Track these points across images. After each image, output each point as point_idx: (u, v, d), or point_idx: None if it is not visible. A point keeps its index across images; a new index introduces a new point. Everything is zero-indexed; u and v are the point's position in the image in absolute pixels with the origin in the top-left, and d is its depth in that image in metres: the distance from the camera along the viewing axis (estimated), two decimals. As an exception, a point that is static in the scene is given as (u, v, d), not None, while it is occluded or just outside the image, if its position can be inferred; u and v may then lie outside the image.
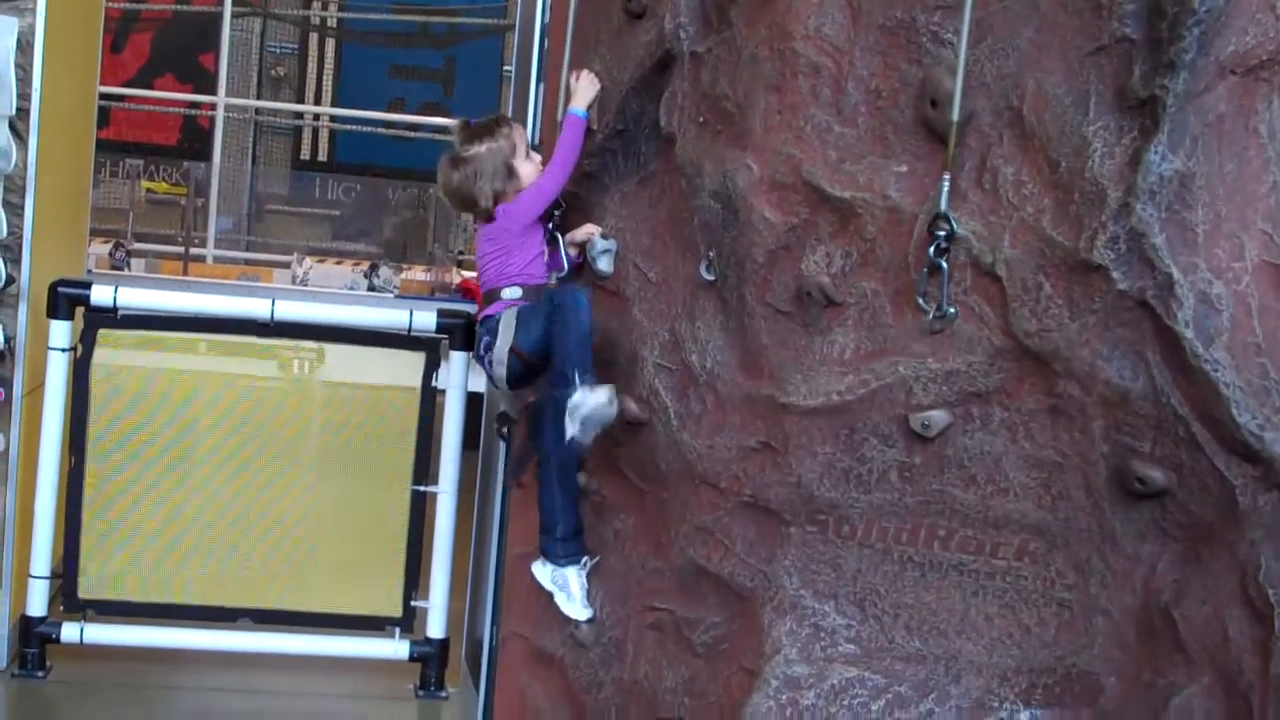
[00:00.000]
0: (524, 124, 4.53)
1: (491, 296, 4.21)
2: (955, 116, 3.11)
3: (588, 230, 4.17)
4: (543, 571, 4.21)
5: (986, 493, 3.29)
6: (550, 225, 4.21)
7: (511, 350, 4.08)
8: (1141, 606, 3.14)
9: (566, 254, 4.20)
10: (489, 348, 4.14)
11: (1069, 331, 3.06)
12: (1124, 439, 3.07)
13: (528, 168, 4.22)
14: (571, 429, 3.85)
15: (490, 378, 4.25)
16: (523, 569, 4.56)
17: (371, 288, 11.10)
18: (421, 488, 5.51)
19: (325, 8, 17.74)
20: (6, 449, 5.43)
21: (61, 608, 5.55)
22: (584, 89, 4.11)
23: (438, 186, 4.38)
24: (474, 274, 9.03)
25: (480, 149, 4.20)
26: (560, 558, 4.16)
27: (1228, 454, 2.94)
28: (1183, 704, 3.03)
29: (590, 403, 3.82)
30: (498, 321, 4.12)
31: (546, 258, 4.19)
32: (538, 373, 4.10)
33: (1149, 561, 3.13)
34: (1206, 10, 2.86)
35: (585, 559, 4.18)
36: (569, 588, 4.15)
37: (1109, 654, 3.20)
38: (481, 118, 4.36)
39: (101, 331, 5.40)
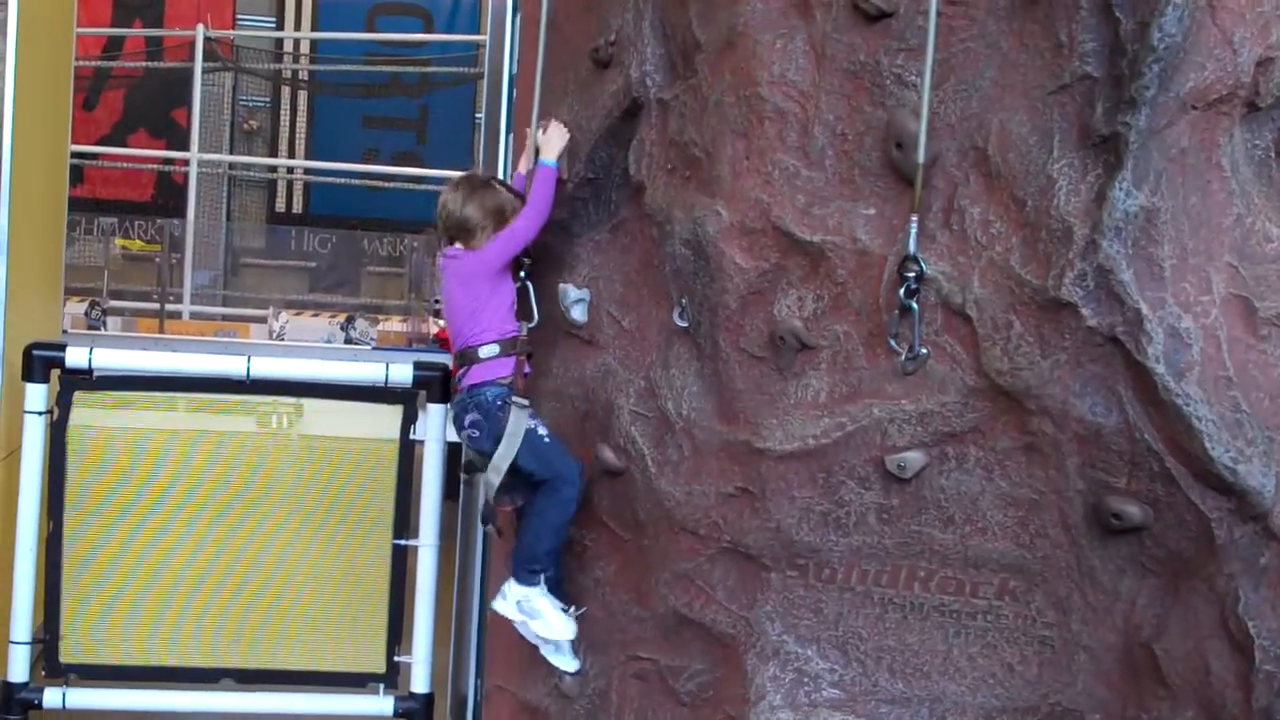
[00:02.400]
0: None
1: (468, 356, 4.15)
2: (921, 158, 3.13)
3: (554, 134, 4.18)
4: (504, 605, 4.15)
5: (965, 532, 3.29)
6: (523, 274, 4.21)
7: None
8: (1123, 642, 3.15)
9: (528, 292, 4.22)
10: (476, 426, 4.14)
11: (1040, 369, 3.07)
12: (1099, 475, 3.07)
13: None
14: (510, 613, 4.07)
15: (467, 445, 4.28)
16: (505, 621, 4.54)
17: (349, 340, 11.07)
18: (402, 541, 5.48)
19: (296, 60, 17.76)
20: (-16, 514, 5.41)
21: (44, 673, 5.51)
22: (553, 140, 4.11)
23: (443, 199, 4.29)
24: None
25: (500, 189, 4.24)
26: (528, 575, 4.13)
27: (1203, 487, 2.95)
28: (1167, 739, 3.03)
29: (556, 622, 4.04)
30: (490, 405, 4.11)
31: (516, 308, 4.19)
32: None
33: (1128, 597, 3.13)
34: (1165, 47, 2.88)
35: (573, 607, 4.16)
36: (543, 615, 4.10)
37: (1092, 691, 3.20)
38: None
39: (78, 394, 5.37)
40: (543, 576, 4.09)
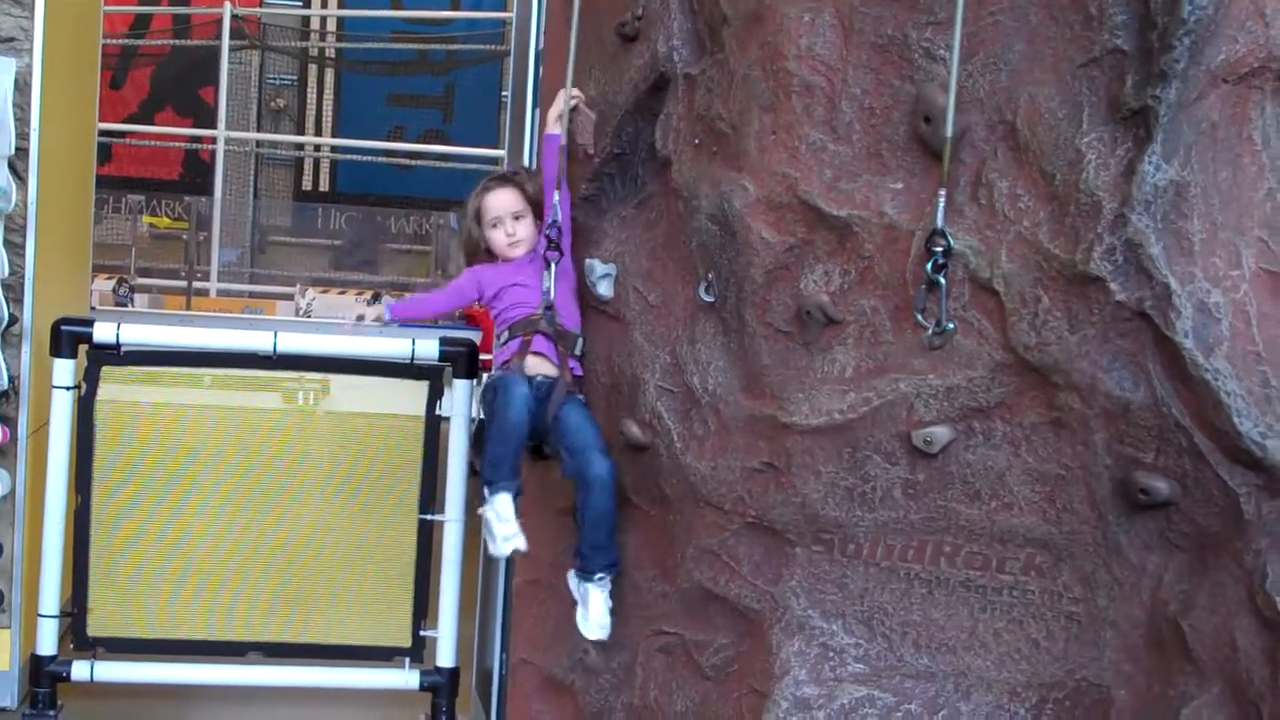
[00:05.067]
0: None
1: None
2: (949, 132, 3.10)
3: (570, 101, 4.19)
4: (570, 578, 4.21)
5: (991, 508, 3.29)
6: (547, 255, 4.19)
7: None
8: (1149, 618, 3.13)
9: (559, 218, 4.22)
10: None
11: (1068, 344, 3.05)
12: (1127, 450, 3.06)
13: (493, 235, 4.41)
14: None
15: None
16: (530, 595, 4.56)
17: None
18: (428, 516, 5.50)
19: (323, 39, 17.78)
20: (13, 489, 5.43)
21: (71, 646, 5.55)
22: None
23: None
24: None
25: (472, 197, 4.44)
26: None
27: (1231, 463, 2.92)
28: (1193, 715, 3.01)
29: (494, 530, 4.03)
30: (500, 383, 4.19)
31: (552, 293, 4.19)
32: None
33: (1155, 572, 3.12)
34: (1196, 19, 2.86)
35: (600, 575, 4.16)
36: (589, 605, 4.11)
37: (1119, 666, 3.19)
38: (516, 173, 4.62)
39: (105, 369, 5.39)
40: (497, 489, 4.05)
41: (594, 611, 4.07)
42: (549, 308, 4.17)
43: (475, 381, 5.30)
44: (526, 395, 4.04)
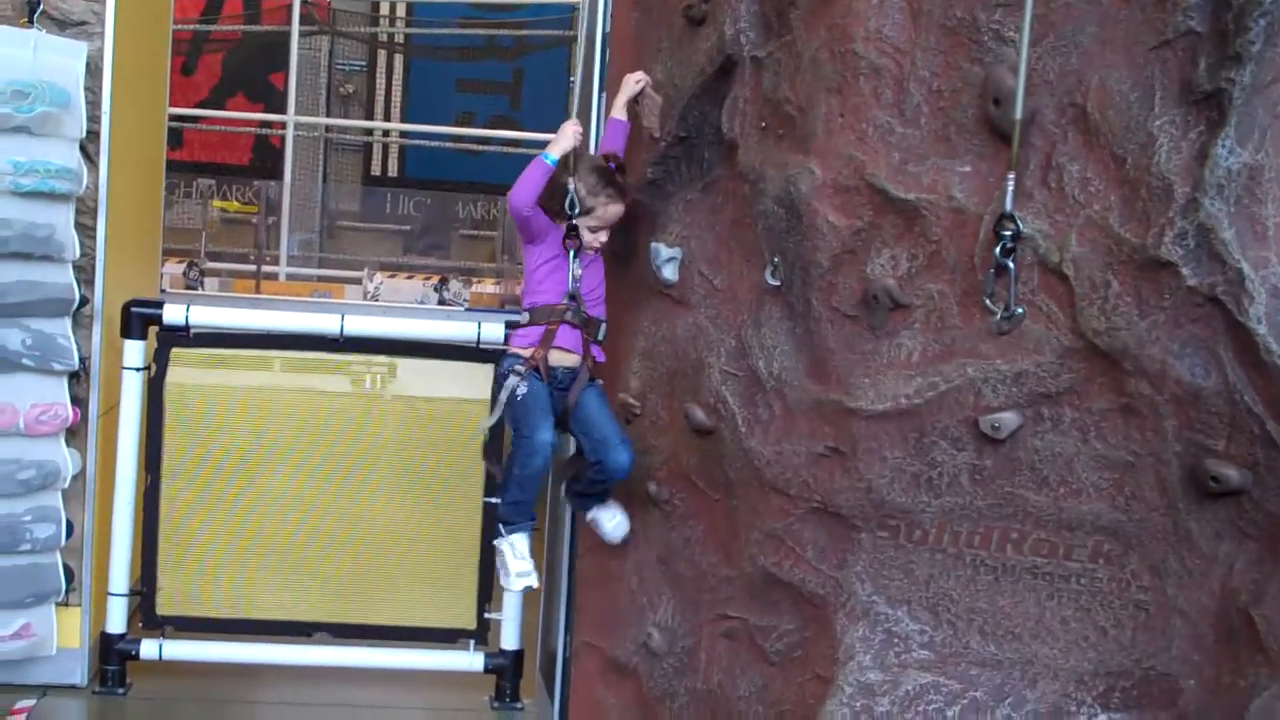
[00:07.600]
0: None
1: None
2: (1018, 115, 3.07)
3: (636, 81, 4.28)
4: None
5: (1059, 494, 3.25)
6: (567, 244, 4.25)
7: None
8: (1219, 607, 3.09)
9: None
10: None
11: (1138, 329, 3.01)
12: (1197, 437, 3.01)
13: (589, 233, 4.32)
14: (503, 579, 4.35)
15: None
16: (594, 579, 4.57)
17: (442, 301, 11.15)
18: (493, 499, 5.51)
19: (393, 24, 17.85)
20: (83, 469, 5.49)
21: (140, 625, 5.61)
22: (561, 137, 4.27)
23: None
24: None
25: (600, 172, 4.35)
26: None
27: (1303, 451, 2.88)
28: (1264, 705, 2.96)
29: (509, 565, 4.30)
30: (500, 376, 4.34)
31: (574, 280, 4.23)
32: None
33: (1226, 561, 3.07)
34: (1273, 1, 2.81)
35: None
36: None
37: (1187, 656, 3.15)
38: None
39: (174, 350, 5.45)
40: (515, 529, 4.28)
41: (608, 525, 4.34)
42: (573, 297, 4.22)
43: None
44: (552, 440, 4.17)
